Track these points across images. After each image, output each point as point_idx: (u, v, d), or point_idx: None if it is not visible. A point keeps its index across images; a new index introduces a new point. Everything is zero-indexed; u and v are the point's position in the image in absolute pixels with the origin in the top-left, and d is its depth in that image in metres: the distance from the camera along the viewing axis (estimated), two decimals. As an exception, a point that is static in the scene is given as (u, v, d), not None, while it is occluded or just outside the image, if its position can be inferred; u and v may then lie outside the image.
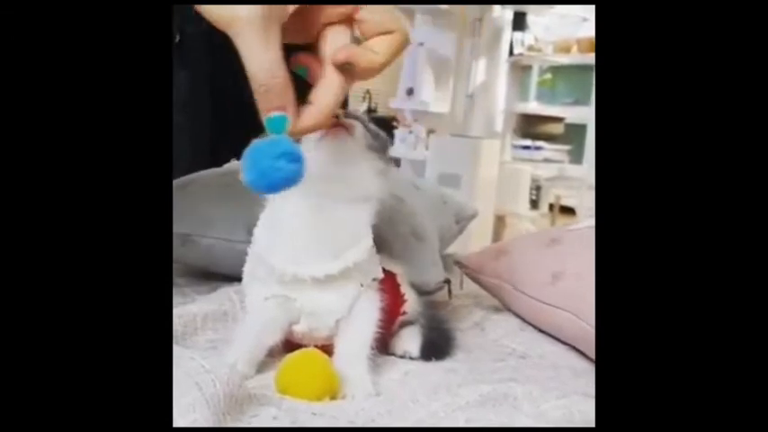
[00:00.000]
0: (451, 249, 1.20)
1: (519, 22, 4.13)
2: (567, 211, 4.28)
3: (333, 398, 0.61)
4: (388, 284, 0.73)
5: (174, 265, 1.00)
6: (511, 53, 4.19)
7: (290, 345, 0.68)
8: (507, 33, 4.19)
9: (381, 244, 0.77)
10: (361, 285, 0.67)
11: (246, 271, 0.71)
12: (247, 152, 0.51)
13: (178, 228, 0.92)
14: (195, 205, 0.95)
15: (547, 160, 4.26)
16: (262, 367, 0.67)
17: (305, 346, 0.67)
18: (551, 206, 4.29)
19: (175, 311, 0.81)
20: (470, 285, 1.01)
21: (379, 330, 0.68)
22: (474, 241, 2.45)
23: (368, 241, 0.67)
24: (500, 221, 3.96)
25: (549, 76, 4.60)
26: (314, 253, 0.65)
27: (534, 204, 4.22)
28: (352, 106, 3.08)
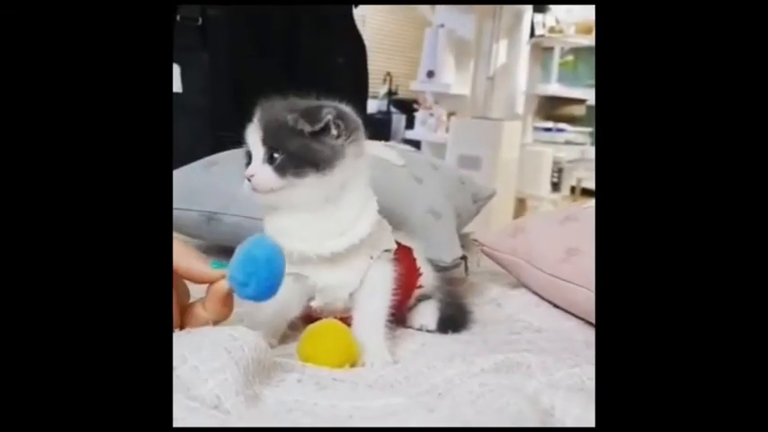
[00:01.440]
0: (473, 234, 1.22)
1: (540, 4, 4.09)
2: (589, 193, 4.25)
3: (353, 366, 0.64)
4: (405, 258, 0.75)
5: (200, 243, 1.04)
6: (532, 35, 4.16)
7: (311, 318, 0.71)
8: (528, 15, 4.16)
9: (399, 222, 0.80)
10: (371, 258, 0.70)
11: None
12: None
13: (203, 206, 0.95)
14: (219, 184, 0.97)
15: (568, 142, 4.23)
16: (284, 339, 0.70)
17: (325, 318, 0.69)
18: (573, 189, 4.27)
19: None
20: (487, 263, 1.03)
21: (395, 298, 0.70)
22: (494, 224, 2.46)
23: (371, 216, 0.69)
24: (521, 204, 3.95)
25: (570, 57, 4.55)
26: (319, 232, 0.67)
27: (555, 187, 4.20)
28: (372, 89, 3.09)
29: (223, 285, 0.58)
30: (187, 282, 0.61)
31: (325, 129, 0.65)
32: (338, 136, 0.66)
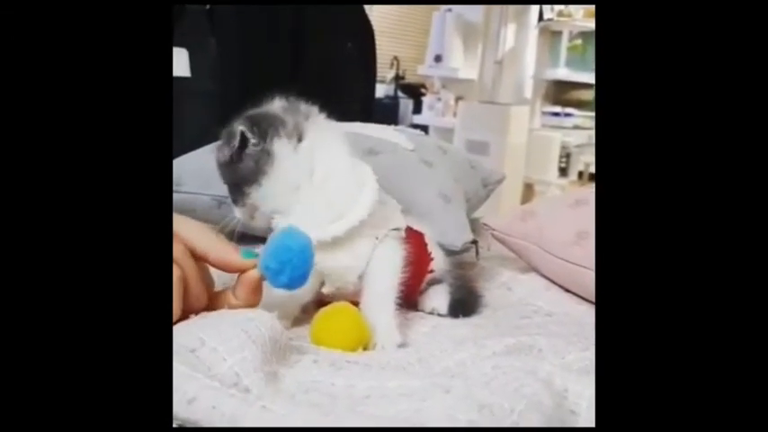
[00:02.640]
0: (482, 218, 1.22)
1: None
2: (597, 178, 4.23)
3: (365, 348, 0.64)
4: (417, 243, 0.75)
5: (211, 227, 1.04)
6: (540, 18, 4.14)
7: (323, 302, 0.71)
8: (537, -2, 4.13)
9: (410, 206, 0.80)
10: (377, 239, 0.70)
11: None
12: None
13: (214, 190, 0.96)
14: (230, 169, 0.98)
15: (576, 127, 4.22)
16: (297, 322, 0.70)
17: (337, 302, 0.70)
18: (581, 174, 4.26)
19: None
20: (498, 248, 1.03)
21: (405, 276, 0.70)
22: (502, 209, 2.46)
23: (370, 197, 0.69)
24: (528, 189, 3.95)
25: (579, 41, 4.52)
26: (318, 218, 0.67)
27: (563, 172, 4.19)
28: (380, 74, 3.08)
29: (254, 273, 0.59)
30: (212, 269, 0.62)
31: (243, 144, 0.68)
32: (257, 144, 0.67)
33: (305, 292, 0.70)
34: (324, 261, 0.68)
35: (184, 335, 0.50)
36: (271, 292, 0.69)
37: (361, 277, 0.70)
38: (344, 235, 0.67)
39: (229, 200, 0.72)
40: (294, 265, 0.58)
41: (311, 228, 0.66)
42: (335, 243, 0.67)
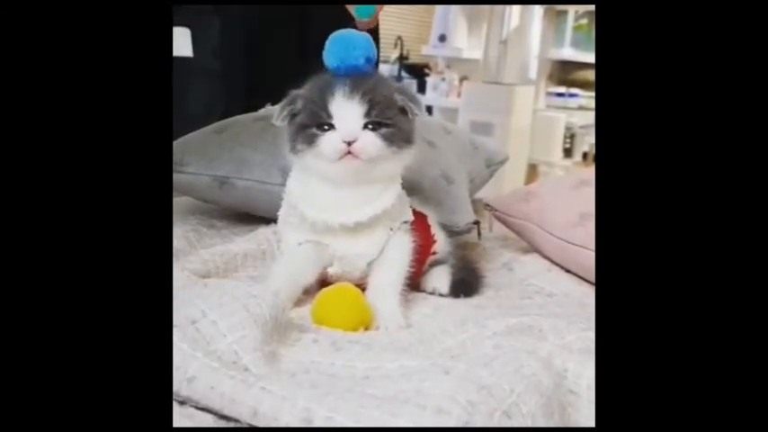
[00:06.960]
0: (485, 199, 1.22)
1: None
2: (601, 159, 4.20)
3: (366, 329, 0.64)
4: (420, 225, 0.75)
5: (213, 208, 1.04)
6: (546, -2, 4.09)
7: (326, 283, 0.72)
8: (542, -23, 4.08)
9: (413, 186, 0.80)
10: (391, 230, 0.70)
11: (281, 217, 0.75)
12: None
13: (216, 170, 0.95)
14: (232, 149, 0.97)
15: (581, 107, 4.18)
16: (298, 302, 0.71)
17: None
18: (585, 155, 4.23)
19: (216, 250, 0.85)
20: (499, 228, 1.03)
21: (411, 269, 0.71)
22: (506, 190, 2.45)
23: (396, 188, 0.70)
24: (532, 170, 3.93)
25: (584, 21, 4.47)
26: (343, 203, 0.68)
27: (568, 153, 4.16)
28: (383, 53, 3.05)
29: None
30: None
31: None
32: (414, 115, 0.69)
33: (308, 275, 0.71)
34: (339, 244, 0.69)
35: (187, 305, 0.50)
36: (274, 271, 0.69)
37: (370, 264, 0.70)
38: (367, 222, 0.68)
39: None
40: None
41: (336, 211, 0.67)
42: (356, 229, 0.68)
